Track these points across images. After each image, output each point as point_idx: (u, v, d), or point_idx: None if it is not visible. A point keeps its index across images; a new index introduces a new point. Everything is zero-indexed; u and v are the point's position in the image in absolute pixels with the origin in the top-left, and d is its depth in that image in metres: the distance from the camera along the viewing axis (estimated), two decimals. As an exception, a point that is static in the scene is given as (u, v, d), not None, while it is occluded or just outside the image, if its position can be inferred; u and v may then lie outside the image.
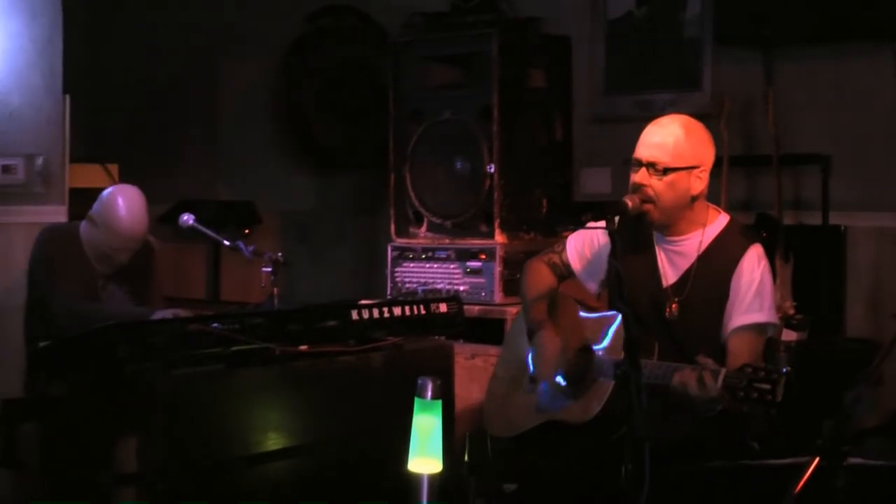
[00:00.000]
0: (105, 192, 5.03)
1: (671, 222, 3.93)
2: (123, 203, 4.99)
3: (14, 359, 5.21)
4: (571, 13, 6.92)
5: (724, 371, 3.52)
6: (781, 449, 3.71)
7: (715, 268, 3.90)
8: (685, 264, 3.94)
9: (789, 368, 3.42)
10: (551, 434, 4.01)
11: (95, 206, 5.00)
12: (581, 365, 3.99)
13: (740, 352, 3.80)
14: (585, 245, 4.22)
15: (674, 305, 3.91)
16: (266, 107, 7.92)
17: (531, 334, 4.14)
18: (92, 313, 4.74)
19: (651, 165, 3.85)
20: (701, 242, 3.94)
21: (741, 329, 3.85)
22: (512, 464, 4.20)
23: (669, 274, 3.97)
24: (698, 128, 3.96)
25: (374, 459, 4.15)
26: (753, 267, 3.88)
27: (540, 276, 4.32)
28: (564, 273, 4.30)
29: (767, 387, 3.39)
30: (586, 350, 4.01)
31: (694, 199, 3.90)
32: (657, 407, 3.55)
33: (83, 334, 3.93)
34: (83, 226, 5.04)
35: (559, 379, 4.01)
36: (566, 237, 4.32)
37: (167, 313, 4.67)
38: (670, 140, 3.87)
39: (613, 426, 3.45)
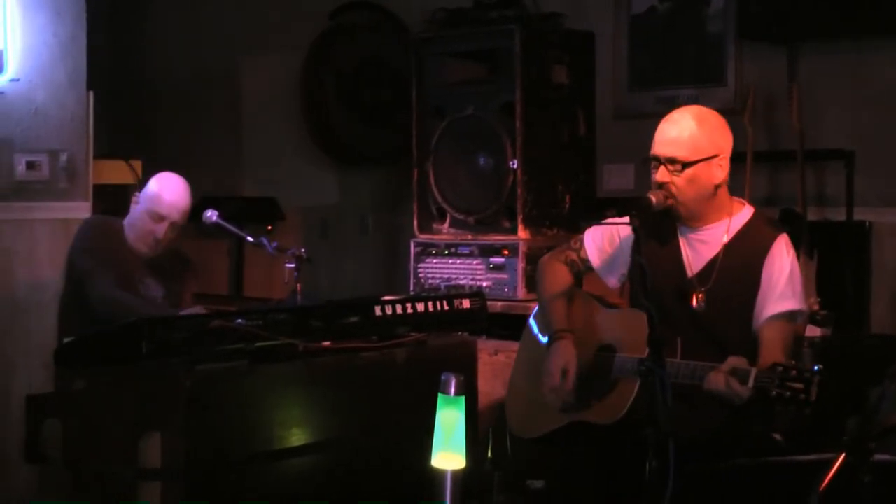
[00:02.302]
0: (155, 177, 5.21)
1: (696, 214, 3.92)
2: (165, 177, 5.16)
3: (39, 354, 5.22)
4: (594, 9, 6.92)
5: (755, 371, 3.51)
6: (806, 445, 3.70)
7: (743, 257, 3.89)
8: (710, 254, 3.94)
9: (821, 366, 3.41)
10: (577, 433, 4.00)
11: (143, 191, 5.17)
12: (603, 364, 3.99)
13: (774, 340, 3.80)
14: (605, 240, 4.21)
15: (700, 295, 3.90)
16: (289, 103, 7.93)
17: (550, 342, 4.14)
18: (128, 303, 4.78)
19: (670, 162, 3.85)
20: (727, 232, 3.93)
21: (775, 318, 3.85)
22: (538, 461, 4.19)
23: (694, 264, 3.96)
24: (712, 116, 3.95)
25: (398, 455, 4.15)
26: (783, 255, 3.88)
27: (557, 276, 4.30)
28: (582, 270, 4.29)
29: (800, 386, 3.39)
30: (609, 349, 4.00)
31: (717, 187, 3.91)
32: (682, 404, 3.55)
33: (107, 330, 3.94)
34: (128, 217, 5.12)
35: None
36: (584, 233, 4.31)
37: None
38: (685, 134, 3.86)
39: (641, 424, 3.43)
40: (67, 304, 5.09)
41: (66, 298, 5.11)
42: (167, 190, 5.10)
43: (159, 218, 5.04)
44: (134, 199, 5.17)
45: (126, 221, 5.14)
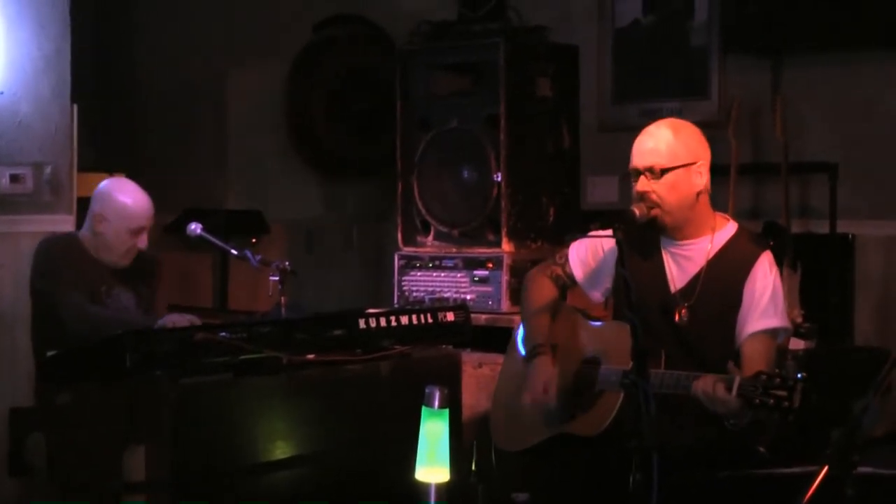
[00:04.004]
0: (99, 189, 5.05)
1: (680, 224, 3.92)
2: (123, 188, 5.04)
3: (23, 367, 5.21)
4: (578, 22, 6.95)
5: (738, 379, 3.51)
6: (790, 457, 3.70)
7: (726, 273, 3.89)
8: (693, 269, 3.93)
9: (804, 374, 3.41)
10: (561, 446, 4.00)
11: (94, 205, 5.00)
12: (587, 376, 3.99)
13: (756, 356, 3.80)
14: (589, 253, 4.21)
15: (683, 310, 3.90)
16: (274, 115, 7.92)
17: (529, 356, 4.14)
18: (101, 316, 4.76)
19: (649, 170, 3.85)
20: (710, 247, 3.93)
21: (756, 335, 3.85)
22: (522, 474, 4.19)
23: (677, 278, 3.95)
24: (686, 126, 3.97)
25: (382, 468, 4.15)
26: (766, 273, 3.88)
27: (541, 291, 4.29)
28: (567, 283, 4.29)
29: (784, 393, 3.39)
30: (593, 361, 4.00)
31: (699, 195, 3.90)
32: (666, 416, 3.55)
33: (91, 343, 3.93)
34: (84, 231, 5.05)
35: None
36: (569, 247, 4.31)
37: (183, 320, 4.68)
38: (662, 142, 3.87)
39: (625, 437, 3.43)
40: (36, 326, 5.07)
41: (35, 321, 5.08)
42: (136, 201, 4.98)
43: (140, 230, 4.99)
44: (94, 216, 4.99)
45: (90, 239, 5.05)
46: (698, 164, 3.89)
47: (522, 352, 4.31)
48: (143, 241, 4.99)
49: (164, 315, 5.13)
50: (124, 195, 4.99)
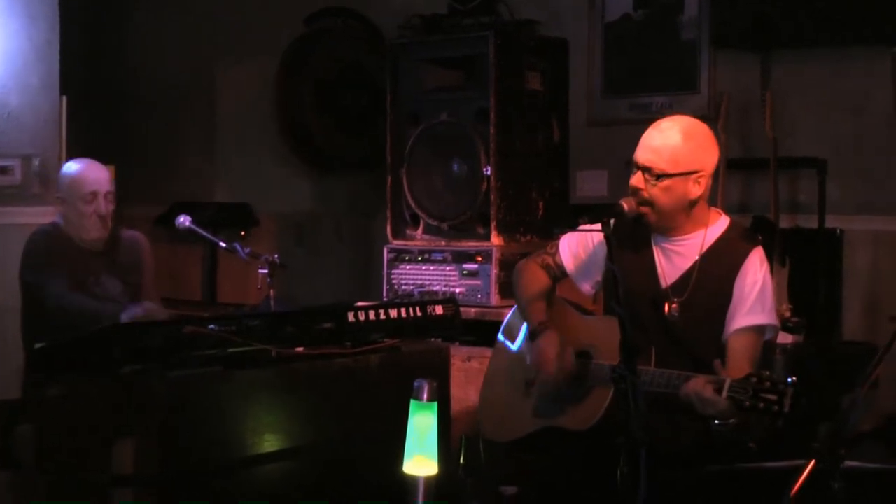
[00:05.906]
0: (60, 174, 5.23)
1: (669, 225, 3.91)
2: (72, 164, 5.22)
3: (11, 359, 5.21)
4: (569, 16, 6.96)
5: (728, 381, 3.51)
6: (778, 452, 3.71)
7: (718, 269, 3.88)
8: (685, 264, 3.92)
9: (794, 378, 3.40)
10: (550, 438, 4.00)
11: (59, 189, 5.19)
12: (578, 370, 3.99)
13: (741, 351, 3.80)
14: (580, 246, 4.20)
15: (674, 305, 3.89)
16: (264, 109, 7.92)
17: (533, 336, 4.13)
18: (81, 303, 4.80)
19: (647, 170, 3.83)
20: (703, 243, 3.91)
21: (742, 330, 3.84)
22: (510, 466, 4.19)
23: (668, 274, 3.94)
24: (699, 132, 3.89)
25: (371, 461, 4.14)
26: (756, 270, 3.87)
27: (535, 278, 4.29)
28: (558, 274, 4.28)
29: (774, 397, 3.39)
30: (584, 355, 4.00)
31: (693, 203, 3.86)
32: (659, 413, 3.56)
33: (79, 336, 3.93)
34: (59, 216, 5.11)
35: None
36: (560, 239, 4.30)
37: (137, 311, 4.74)
38: (667, 146, 3.82)
39: (615, 432, 3.43)
40: (26, 316, 5.09)
41: (24, 310, 5.11)
42: (82, 169, 5.14)
43: (92, 196, 5.05)
44: (59, 199, 5.17)
45: (65, 221, 5.13)
46: (699, 173, 3.83)
47: (509, 343, 4.31)
48: (102, 207, 5.03)
49: (154, 297, 5.17)
50: (72, 168, 5.14)
